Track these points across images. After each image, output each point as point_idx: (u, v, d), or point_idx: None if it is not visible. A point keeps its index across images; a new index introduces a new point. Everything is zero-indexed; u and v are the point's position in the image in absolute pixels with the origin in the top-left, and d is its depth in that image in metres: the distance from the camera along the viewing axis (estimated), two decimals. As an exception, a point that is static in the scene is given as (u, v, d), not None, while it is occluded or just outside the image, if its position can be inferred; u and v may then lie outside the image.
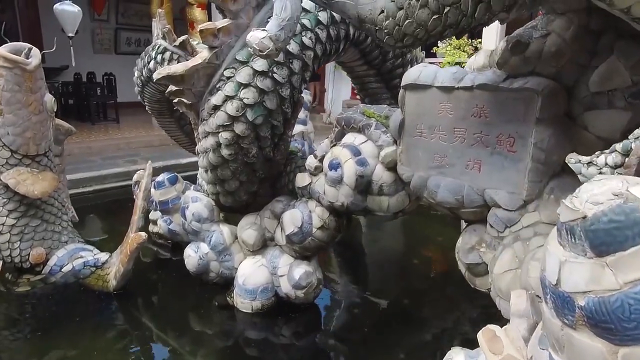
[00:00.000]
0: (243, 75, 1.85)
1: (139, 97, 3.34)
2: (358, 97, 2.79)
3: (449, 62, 8.75)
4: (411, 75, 1.57)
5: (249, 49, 1.31)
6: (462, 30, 1.16)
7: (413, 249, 3.37)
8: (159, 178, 2.26)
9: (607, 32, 1.22)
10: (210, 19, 8.92)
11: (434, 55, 9.39)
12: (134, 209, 2.41)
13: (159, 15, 3.00)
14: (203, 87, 1.95)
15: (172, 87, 1.97)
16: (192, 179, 4.60)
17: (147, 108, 3.37)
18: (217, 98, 1.89)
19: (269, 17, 1.90)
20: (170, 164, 4.79)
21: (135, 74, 3.17)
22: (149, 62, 2.98)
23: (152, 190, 2.28)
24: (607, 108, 1.22)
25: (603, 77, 1.21)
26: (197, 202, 2.16)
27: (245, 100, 1.85)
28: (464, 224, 1.64)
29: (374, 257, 3.24)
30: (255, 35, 1.27)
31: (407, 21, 1.16)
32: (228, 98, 1.87)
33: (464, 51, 8.86)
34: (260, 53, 1.28)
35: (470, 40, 8.90)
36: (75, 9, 6.42)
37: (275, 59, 1.85)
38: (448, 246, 2.40)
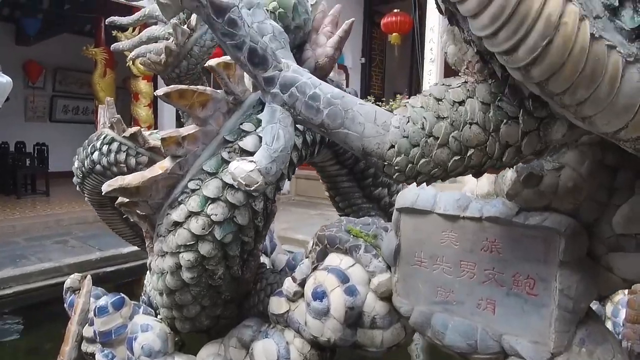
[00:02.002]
0: (211, 188, 1.61)
1: (77, 188, 2.98)
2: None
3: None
4: (407, 198, 1.42)
5: (234, 182, 1.10)
6: (485, 171, 1.03)
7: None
8: (101, 302, 1.89)
9: (624, 167, 1.14)
10: (155, 89, 8.71)
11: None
12: (66, 334, 1.98)
13: (107, 103, 2.74)
14: (162, 199, 1.68)
15: (123, 199, 1.68)
16: (135, 271, 4.06)
17: (86, 199, 3.00)
18: (178, 213, 1.63)
19: (241, 124, 1.75)
20: (109, 255, 4.27)
21: (75, 164, 2.82)
22: (92, 153, 2.67)
23: (91, 315, 1.90)
24: (635, 251, 1.12)
25: (628, 219, 1.11)
26: (148, 331, 1.80)
27: (213, 217, 1.60)
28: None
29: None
30: (241, 168, 1.06)
31: (423, 160, 1.01)
32: (192, 214, 1.61)
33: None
34: (247, 188, 1.07)
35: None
36: (5, 79, 5.95)
37: (249, 170, 1.64)
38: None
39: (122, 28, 7.54)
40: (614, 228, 1.13)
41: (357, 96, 1.39)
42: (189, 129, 1.65)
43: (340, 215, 2.64)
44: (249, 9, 1.14)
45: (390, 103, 10.14)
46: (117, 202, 1.72)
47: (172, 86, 1.56)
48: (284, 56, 1.14)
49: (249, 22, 1.12)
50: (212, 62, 1.59)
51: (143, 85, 8.10)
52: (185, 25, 2.74)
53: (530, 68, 0.75)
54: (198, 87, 1.62)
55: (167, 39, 3.02)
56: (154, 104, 8.50)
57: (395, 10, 10.24)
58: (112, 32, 7.50)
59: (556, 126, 0.92)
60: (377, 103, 10.07)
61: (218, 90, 1.67)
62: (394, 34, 10.53)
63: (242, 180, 1.07)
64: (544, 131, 0.93)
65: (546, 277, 1.16)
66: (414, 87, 12.63)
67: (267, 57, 1.08)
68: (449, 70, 1.14)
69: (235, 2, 1.11)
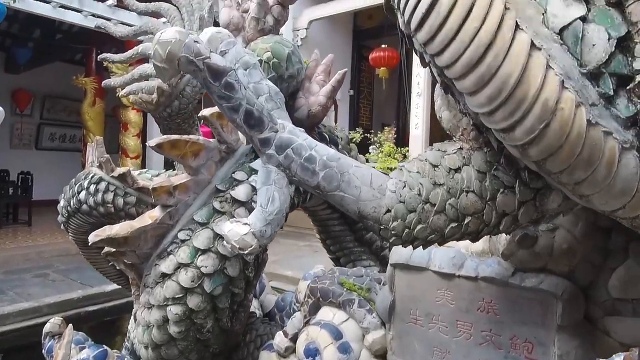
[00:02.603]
0: (202, 239, 1.58)
1: (61, 227, 2.90)
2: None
3: (381, 168, 9.19)
4: (401, 253, 1.40)
5: (227, 245, 1.07)
6: (482, 236, 1.03)
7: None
8: (83, 355, 1.81)
9: (617, 229, 1.15)
10: (145, 122, 8.70)
11: (366, 161, 9.83)
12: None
13: (96, 142, 2.71)
14: (150, 249, 1.64)
15: (109, 249, 1.64)
16: (119, 309, 3.94)
17: (71, 238, 2.92)
18: (167, 265, 1.59)
19: (233, 173, 1.74)
20: (91, 293, 4.13)
21: (61, 203, 2.76)
22: (79, 192, 2.61)
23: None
24: (632, 315, 1.11)
25: (624, 284, 1.10)
26: (132, 387, 1.72)
27: (203, 269, 1.56)
28: None
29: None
30: (235, 231, 1.04)
31: (420, 226, 1.00)
32: (181, 266, 1.57)
33: (394, 158, 9.41)
34: (241, 251, 1.04)
35: (399, 148, 9.53)
36: (-2, 109, 5.91)
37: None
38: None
39: (103, 27, 7.58)
40: (610, 292, 1.12)
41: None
42: (181, 178, 1.63)
43: (331, 258, 2.61)
44: (246, 69, 1.14)
45: (379, 135, 10.30)
46: (103, 251, 1.67)
47: (164, 137, 1.54)
48: (279, 116, 1.14)
49: (245, 82, 1.12)
50: (205, 112, 1.59)
51: (132, 115, 8.10)
52: (178, 66, 2.76)
53: (528, 147, 0.76)
54: (191, 136, 1.62)
55: (159, 76, 3.04)
56: (143, 133, 8.48)
57: (383, 46, 10.51)
58: (103, 62, 7.53)
59: (552, 196, 0.92)
60: (366, 135, 10.19)
61: (211, 140, 1.66)
62: (382, 68, 10.77)
63: (236, 244, 1.04)
64: (540, 201, 0.93)
65: (544, 341, 1.15)
66: (402, 119, 12.85)
67: (263, 119, 1.08)
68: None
69: (232, 63, 1.11)
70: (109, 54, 3.50)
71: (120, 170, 2.57)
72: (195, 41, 1.01)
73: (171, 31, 1.00)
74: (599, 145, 0.70)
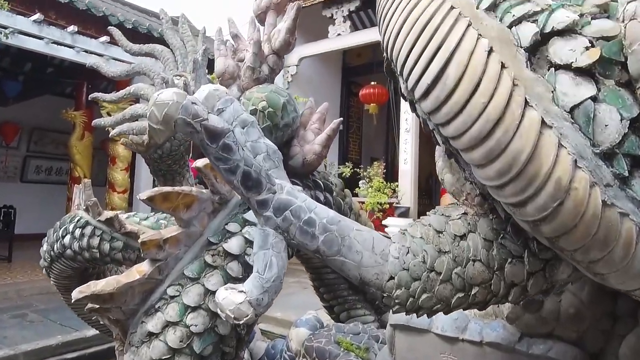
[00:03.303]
0: (192, 295, 1.51)
1: (43, 272, 2.79)
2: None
3: (371, 203, 9.20)
4: (402, 314, 1.35)
5: (221, 313, 1.01)
6: (489, 305, 0.98)
7: None
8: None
9: (625, 296, 1.12)
10: (134, 156, 8.62)
11: (355, 195, 9.85)
12: None
13: (84, 184, 2.64)
14: (137, 305, 1.56)
15: (93, 304, 1.55)
16: (100, 357, 3.80)
17: (52, 283, 2.80)
18: (155, 323, 1.51)
19: (226, 224, 1.69)
20: (70, 340, 3.94)
21: (44, 247, 2.66)
22: (63, 236, 2.52)
23: None
24: (644, 386, 1.06)
25: (635, 352, 1.06)
26: None
27: (192, 328, 1.48)
28: None
29: None
30: (230, 299, 0.99)
31: (425, 295, 0.95)
32: (170, 324, 1.49)
33: (384, 193, 9.44)
34: (236, 321, 0.99)
35: (388, 183, 9.57)
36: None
37: (232, 274, 1.56)
38: None
39: (105, 93, 7.59)
40: (621, 360, 1.08)
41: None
42: (171, 230, 1.57)
43: (325, 306, 2.53)
44: (243, 128, 1.12)
45: (368, 169, 10.35)
46: (86, 307, 1.58)
47: (156, 190, 1.49)
48: (277, 176, 1.11)
49: (242, 141, 1.09)
50: (198, 163, 1.55)
51: (121, 150, 8.02)
52: (171, 108, 2.74)
53: (540, 224, 0.73)
54: (183, 188, 1.57)
55: (151, 117, 3.01)
56: (131, 168, 8.39)
57: (373, 83, 10.72)
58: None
59: (562, 267, 0.89)
60: (355, 169, 10.22)
61: (203, 190, 1.62)
62: (372, 104, 10.95)
63: (231, 313, 0.99)
64: (550, 272, 0.90)
65: (554, 414, 1.09)
66: (390, 153, 12.98)
67: (261, 181, 1.05)
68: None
69: (230, 122, 1.09)
70: (100, 93, 3.49)
71: (107, 214, 2.50)
72: (193, 102, 0.98)
73: (169, 92, 0.98)
74: (616, 227, 0.68)
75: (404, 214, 8.95)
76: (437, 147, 1.08)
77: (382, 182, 9.62)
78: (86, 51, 6.88)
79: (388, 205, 9.19)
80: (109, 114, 7.91)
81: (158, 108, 0.96)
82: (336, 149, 12.53)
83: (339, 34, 10.41)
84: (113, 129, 3.23)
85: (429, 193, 12.38)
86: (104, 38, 6.95)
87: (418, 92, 0.82)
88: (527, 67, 0.72)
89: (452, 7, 0.80)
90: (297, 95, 10.08)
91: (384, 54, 1.01)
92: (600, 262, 0.71)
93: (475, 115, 0.73)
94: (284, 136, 1.83)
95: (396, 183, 9.58)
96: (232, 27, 1.94)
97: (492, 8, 0.77)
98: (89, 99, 3.55)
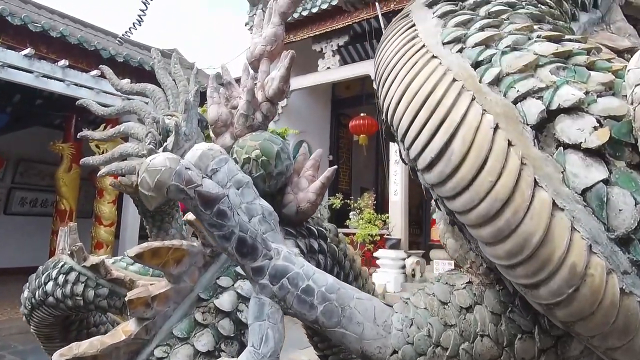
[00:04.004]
0: (180, 357, 1.42)
1: (23, 319, 2.66)
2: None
3: (361, 235, 9.14)
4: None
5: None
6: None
7: None
8: None
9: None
10: (120, 210, 8.51)
11: (346, 227, 9.80)
12: None
13: (69, 228, 2.56)
14: (122, 367, 1.47)
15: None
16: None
17: (32, 331, 2.67)
18: (140, 388, 1.41)
19: (217, 278, 1.63)
20: (51, 387, 3.75)
21: (25, 294, 2.54)
22: (45, 283, 2.42)
23: None
24: None
25: None
26: None
27: (180, 392, 1.40)
28: None
29: None
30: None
31: (431, 371, 0.90)
32: (157, 389, 1.40)
33: (374, 225, 9.40)
34: (229, 401, 0.92)
35: (379, 214, 9.54)
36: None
37: (224, 333, 1.49)
38: None
39: (94, 125, 7.54)
40: None
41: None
42: (160, 286, 1.50)
43: (318, 355, 2.43)
44: (238, 189, 1.08)
45: (359, 201, 10.33)
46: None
47: (144, 245, 1.43)
48: (273, 239, 1.07)
49: (237, 203, 1.05)
50: (190, 216, 1.50)
51: (109, 183, 7.92)
52: (161, 150, 2.70)
53: (554, 308, 0.69)
54: (174, 242, 1.51)
55: (141, 156, 2.96)
56: (118, 200, 8.26)
57: (362, 114, 10.86)
58: (83, 128, 7.46)
59: (574, 344, 0.85)
60: (346, 200, 10.17)
61: (194, 243, 1.56)
62: (361, 135, 11.06)
63: (224, 393, 0.92)
64: (562, 349, 0.86)
65: None
66: (380, 183, 13.03)
67: (256, 247, 1.00)
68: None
69: (224, 182, 1.05)
70: (89, 131, 3.44)
71: (93, 259, 2.42)
72: (186, 167, 0.95)
73: (161, 158, 0.94)
74: (636, 316, 0.64)
75: (395, 245, 8.90)
76: (437, 210, 1.06)
77: (373, 214, 9.60)
78: (76, 84, 6.87)
79: (379, 237, 9.14)
80: (97, 147, 7.86)
81: (150, 175, 0.92)
82: (326, 180, 12.51)
83: (328, 68, 10.61)
84: (101, 168, 3.18)
85: (419, 223, 12.37)
86: (95, 72, 6.96)
87: (421, 164, 0.80)
88: (534, 145, 0.70)
89: (454, 80, 0.79)
90: (287, 127, 10.16)
91: (383, 118, 0.99)
92: (620, 351, 0.68)
93: (483, 193, 0.70)
94: (277, 184, 1.79)
95: (387, 214, 9.56)
96: (225, 75, 1.93)
97: (495, 82, 0.76)
98: (78, 136, 3.50)
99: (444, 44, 0.86)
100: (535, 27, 0.84)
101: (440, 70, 0.81)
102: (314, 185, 1.82)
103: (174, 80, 3.17)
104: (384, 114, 0.94)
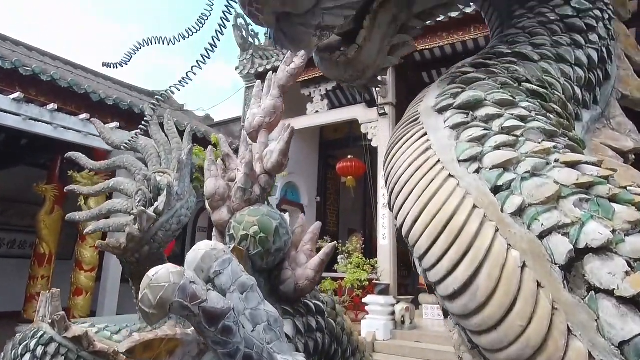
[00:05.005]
0: None
1: (-5, 392, 2.48)
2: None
3: (350, 280, 8.99)
4: None
5: None
6: None
7: None
8: None
9: None
10: (105, 233, 8.29)
11: (334, 272, 9.65)
12: None
13: (52, 295, 2.44)
14: None
15: None
16: None
17: (4, 404, 2.49)
18: None
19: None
20: None
21: (-1, 365, 2.39)
22: (22, 355, 2.28)
23: None
24: None
25: None
26: None
27: None
28: None
29: None
30: None
31: None
32: None
33: (363, 270, 9.27)
34: None
35: (367, 259, 9.44)
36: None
37: None
38: None
39: (79, 167, 7.41)
40: None
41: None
42: (151, 379, 1.41)
43: None
44: (242, 293, 1.03)
45: (347, 244, 10.23)
46: None
47: (135, 339, 1.35)
48: (279, 350, 1.01)
49: (241, 308, 1.00)
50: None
51: (96, 244, 7.71)
52: (152, 209, 2.63)
53: None
54: (167, 332, 1.43)
55: (129, 213, 2.88)
56: (101, 244, 8.01)
57: (350, 157, 10.95)
58: (68, 171, 7.35)
59: None
60: (337, 248, 10.07)
61: (188, 331, 1.48)
62: (349, 177, 11.10)
63: None
64: None
65: None
66: (368, 225, 12.98)
67: (262, 362, 0.94)
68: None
69: (227, 286, 1.00)
70: (76, 186, 3.40)
71: (75, 330, 2.30)
72: (191, 282, 0.90)
73: (164, 272, 0.89)
74: None
75: (384, 291, 8.75)
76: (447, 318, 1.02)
77: (362, 258, 9.50)
78: (64, 127, 6.80)
79: (367, 282, 9.00)
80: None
81: (152, 291, 0.87)
82: (313, 221, 12.43)
83: (317, 111, 10.76)
84: (89, 225, 3.09)
85: (407, 265, 12.28)
86: (84, 115, 6.92)
87: (442, 291, 0.77)
88: (564, 287, 0.68)
89: (475, 207, 0.77)
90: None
91: (397, 228, 0.97)
92: None
93: (513, 337, 0.67)
94: (275, 260, 1.74)
95: (375, 259, 9.46)
96: (223, 146, 1.91)
97: (518, 213, 0.74)
98: (65, 190, 3.41)
99: (459, 161, 0.85)
100: (551, 146, 0.84)
101: (459, 194, 0.80)
102: (312, 261, 1.77)
103: (167, 136, 3.15)
104: (398, 226, 0.92)
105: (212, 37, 1.69)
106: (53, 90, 6.89)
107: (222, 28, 1.66)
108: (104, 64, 1.62)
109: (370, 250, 10.95)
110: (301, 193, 12.13)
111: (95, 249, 7.63)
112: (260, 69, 10.72)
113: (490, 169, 0.81)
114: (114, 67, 1.69)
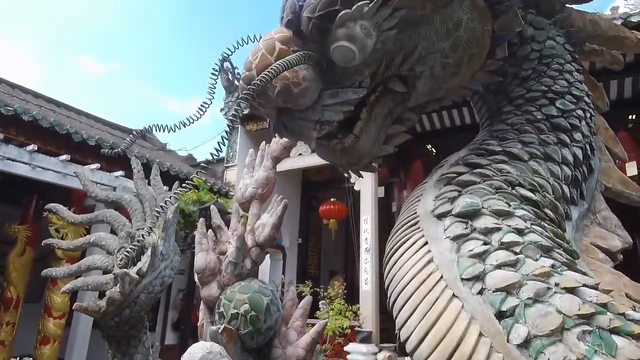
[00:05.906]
0: None
1: None
2: None
3: (331, 327, 8.79)
4: None
5: None
6: None
7: None
8: None
9: None
10: (74, 301, 7.99)
11: (316, 318, 9.44)
12: None
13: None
14: None
15: None
16: None
17: None
18: None
19: None
20: None
21: None
22: None
23: None
24: None
25: None
26: None
27: None
28: None
29: None
30: None
31: None
32: None
33: (345, 316, 9.10)
34: None
35: (349, 305, 9.29)
36: None
37: None
38: None
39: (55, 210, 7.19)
40: None
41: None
42: None
43: None
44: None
45: (329, 290, 10.07)
46: None
47: None
48: None
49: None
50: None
51: (73, 307, 7.41)
52: (135, 270, 2.56)
53: None
54: None
55: (109, 270, 2.79)
56: (74, 291, 7.70)
57: (332, 199, 10.97)
58: (43, 212, 7.13)
59: None
60: (315, 289, 9.92)
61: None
62: (331, 220, 11.09)
63: None
64: None
65: None
66: (350, 268, 12.86)
67: None
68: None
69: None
70: (55, 240, 3.28)
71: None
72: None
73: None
74: None
75: (366, 339, 8.56)
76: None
77: (344, 304, 9.33)
78: (43, 168, 6.66)
79: (350, 329, 8.81)
80: (57, 231, 7.45)
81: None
82: (295, 263, 12.31)
83: (300, 154, 10.83)
84: (65, 283, 2.97)
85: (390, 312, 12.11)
86: (65, 156, 6.81)
87: None
88: None
89: (481, 334, 0.77)
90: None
91: (398, 337, 0.96)
92: None
93: None
94: (265, 339, 1.70)
95: (357, 305, 9.31)
96: (215, 218, 1.90)
97: (524, 345, 0.75)
98: (42, 244, 3.30)
99: (462, 279, 0.87)
100: (550, 267, 0.86)
101: (464, 318, 0.80)
102: (303, 340, 1.74)
103: (153, 192, 3.10)
104: (401, 338, 0.92)
105: (199, 108, 1.68)
106: (34, 129, 6.77)
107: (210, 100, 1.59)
108: (102, 152, 1.61)
109: (351, 294, 10.79)
110: (283, 234, 12.01)
111: (67, 295, 7.31)
112: (246, 111, 10.82)
113: (494, 291, 0.83)
114: (115, 156, 1.68)
